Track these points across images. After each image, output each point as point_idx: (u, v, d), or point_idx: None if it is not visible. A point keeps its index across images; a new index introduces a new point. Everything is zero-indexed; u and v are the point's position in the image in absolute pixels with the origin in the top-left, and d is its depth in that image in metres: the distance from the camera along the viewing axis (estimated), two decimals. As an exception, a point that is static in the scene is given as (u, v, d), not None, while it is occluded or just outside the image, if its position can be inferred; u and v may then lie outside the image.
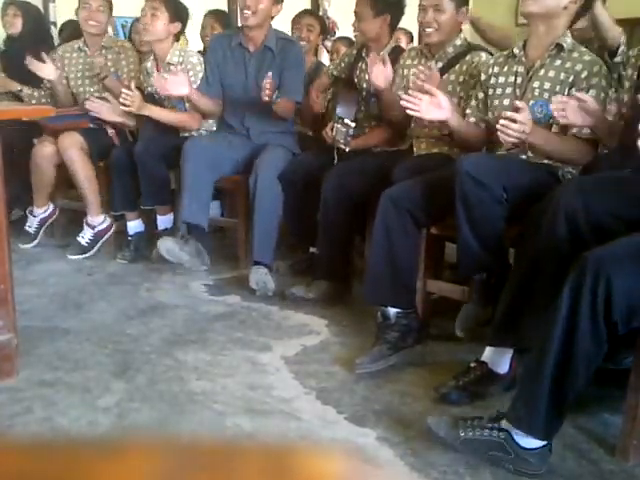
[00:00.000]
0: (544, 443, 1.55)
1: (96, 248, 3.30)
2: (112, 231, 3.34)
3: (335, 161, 2.83)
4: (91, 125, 3.31)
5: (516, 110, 1.91)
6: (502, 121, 1.91)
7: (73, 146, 3.16)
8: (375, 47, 2.95)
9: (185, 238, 2.87)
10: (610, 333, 1.44)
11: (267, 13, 2.90)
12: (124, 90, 2.99)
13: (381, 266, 2.16)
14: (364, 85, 2.99)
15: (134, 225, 3.31)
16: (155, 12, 3.06)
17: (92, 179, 3.23)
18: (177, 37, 3.23)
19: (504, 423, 1.57)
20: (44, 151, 3.23)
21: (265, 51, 2.99)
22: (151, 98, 3.21)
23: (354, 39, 3.63)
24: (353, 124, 2.75)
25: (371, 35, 2.90)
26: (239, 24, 3.10)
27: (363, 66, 3.03)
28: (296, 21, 3.75)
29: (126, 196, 3.22)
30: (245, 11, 2.85)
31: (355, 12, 2.89)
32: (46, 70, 3.33)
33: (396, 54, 2.92)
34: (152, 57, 3.28)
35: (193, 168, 2.84)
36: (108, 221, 3.33)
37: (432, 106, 2.11)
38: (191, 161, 2.84)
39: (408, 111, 2.14)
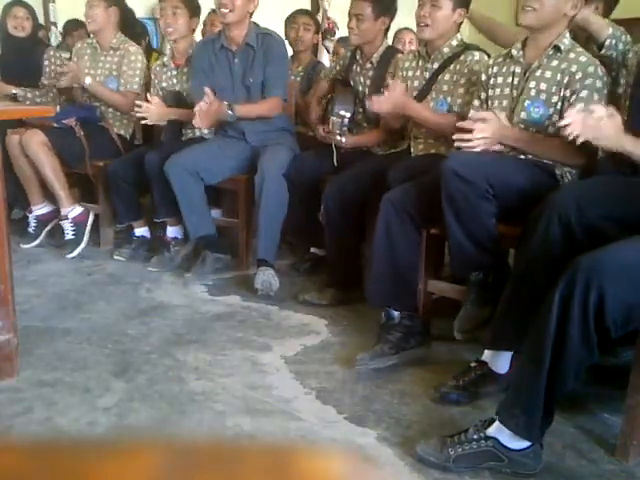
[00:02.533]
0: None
1: (86, 237, 3.30)
2: (91, 217, 3.35)
3: (335, 159, 2.82)
4: (55, 125, 3.32)
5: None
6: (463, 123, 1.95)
7: (36, 143, 3.19)
8: (369, 49, 2.95)
9: (201, 259, 2.99)
10: (602, 338, 1.43)
11: (244, 9, 2.91)
12: (137, 102, 3.11)
13: (383, 269, 2.16)
14: (360, 88, 2.99)
15: (140, 231, 3.35)
16: (176, 10, 3.18)
17: (58, 172, 3.24)
18: (193, 32, 3.37)
19: (489, 431, 1.57)
20: (12, 140, 3.24)
21: (247, 49, 2.99)
22: (169, 95, 3.29)
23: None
24: (348, 114, 2.75)
25: (370, 37, 2.90)
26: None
27: (358, 68, 3.03)
28: (291, 20, 3.72)
29: (129, 208, 3.28)
30: (222, 9, 2.87)
31: (354, 14, 2.86)
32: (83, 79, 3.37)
33: (389, 55, 2.92)
34: (169, 54, 3.35)
35: (179, 186, 2.89)
36: (81, 208, 3.33)
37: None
38: (176, 182, 2.88)
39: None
